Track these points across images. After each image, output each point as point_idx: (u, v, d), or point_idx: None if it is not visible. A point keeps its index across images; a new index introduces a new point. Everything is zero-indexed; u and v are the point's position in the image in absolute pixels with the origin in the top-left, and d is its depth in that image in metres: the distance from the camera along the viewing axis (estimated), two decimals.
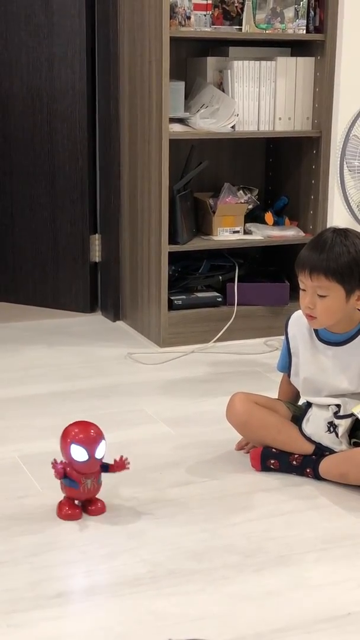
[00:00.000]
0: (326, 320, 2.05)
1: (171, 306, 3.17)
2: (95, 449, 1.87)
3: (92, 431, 1.89)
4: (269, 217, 3.37)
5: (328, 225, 3.29)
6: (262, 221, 3.37)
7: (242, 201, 3.32)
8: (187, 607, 1.61)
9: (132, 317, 3.39)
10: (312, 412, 2.14)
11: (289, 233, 3.33)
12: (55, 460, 1.90)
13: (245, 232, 3.30)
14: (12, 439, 2.35)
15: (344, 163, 2.99)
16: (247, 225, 3.32)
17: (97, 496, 1.94)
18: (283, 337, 2.23)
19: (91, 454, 1.87)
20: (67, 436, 1.88)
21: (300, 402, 2.25)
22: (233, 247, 3.30)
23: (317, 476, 2.09)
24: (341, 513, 1.97)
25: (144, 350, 3.12)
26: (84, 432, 1.88)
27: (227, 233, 3.26)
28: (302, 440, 2.14)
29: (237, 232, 3.28)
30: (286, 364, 2.21)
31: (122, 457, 1.93)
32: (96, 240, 3.56)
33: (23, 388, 2.75)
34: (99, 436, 1.89)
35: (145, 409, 2.58)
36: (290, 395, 2.26)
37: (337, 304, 2.01)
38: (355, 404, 2.08)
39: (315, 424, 2.12)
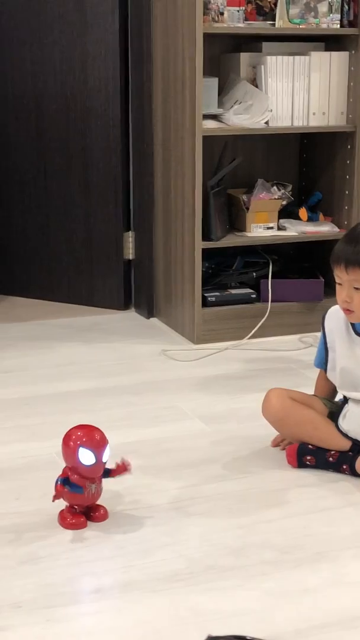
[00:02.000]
0: None
1: (205, 303, 3.17)
2: (102, 452, 1.84)
3: (97, 435, 1.85)
4: (303, 213, 3.35)
5: None
6: (296, 217, 3.35)
7: (276, 197, 3.31)
8: (225, 603, 1.61)
9: (166, 314, 3.39)
10: (349, 408, 2.12)
11: (323, 229, 3.31)
12: (64, 478, 1.85)
13: (279, 228, 3.29)
14: (48, 435, 2.36)
15: None
16: (281, 221, 3.31)
17: (99, 502, 1.91)
18: (319, 333, 2.22)
19: (98, 457, 1.83)
20: (73, 440, 1.84)
21: (337, 399, 2.24)
22: (267, 243, 3.29)
23: (354, 472, 2.08)
24: None
25: (178, 347, 3.12)
26: (90, 436, 1.84)
27: (260, 229, 3.25)
28: (339, 436, 2.12)
29: (271, 228, 3.27)
30: (323, 360, 2.20)
31: (123, 459, 1.91)
32: (130, 238, 3.57)
33: (58, 385, 2.76)
34: (105, 440, 1.86)
35: (180, 406, 2.58)
36: (327, 391, 2.25)
37: None
38: None
39: (352, 420, 2.11)
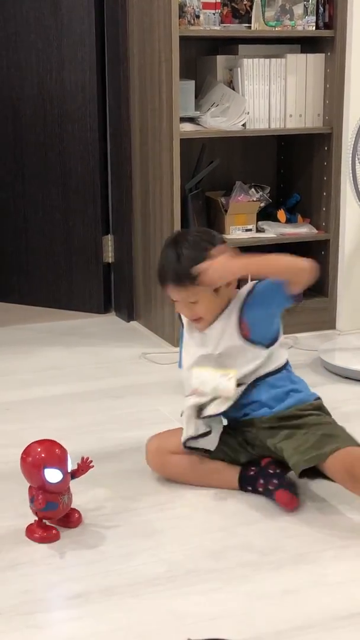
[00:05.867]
0: (210, 316, 2.02)
1: None
2: (66, 465, 1.83)
3: (57, 450, 1.84)
4: (281, 214, 3.36)
5: (341, 222, 3.29)
6: (275, 219, 3.37)
7: (254, 199, 3.32)
8: (205, 606, 1.61)
9: (146, 317, 3.39)
10: (184, 415, 2.07)
11: (302, 230, 3.32)
12: (34, 494, 1.83)
13: (258, 230, 3.30)
14: (29, 440, 2.34)
15: (356, 159, 2.98)
16: (260, 223, 3.32)
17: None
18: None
19: (64, 472, 1.83)
20: (35, 462, 1.82)
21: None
22: (245, 245, 3.28)
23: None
24: (358, 511, 1.96)
25: (158, 350, 3.13)
26: (50, 453, 1.83)
27: (239, 231, 3.26)
28: (225, 467, 2.05)
29: (250, 230, 3.28)
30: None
31: (83, 458, 1.89)
32: (109, 241, 3.56)
33: (39, 389, 2.76)
34: (64, 451, 1.85)
35: (160, 409, 2.58)
36: None
37: (211, 300, 1.99)
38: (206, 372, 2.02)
39: (187, 421, 2.04)
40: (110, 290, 3.63)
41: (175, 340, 3.13)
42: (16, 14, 3.45)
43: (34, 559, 1.77)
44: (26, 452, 1.85)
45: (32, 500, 1.84)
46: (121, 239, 3.48)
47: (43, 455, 1.82)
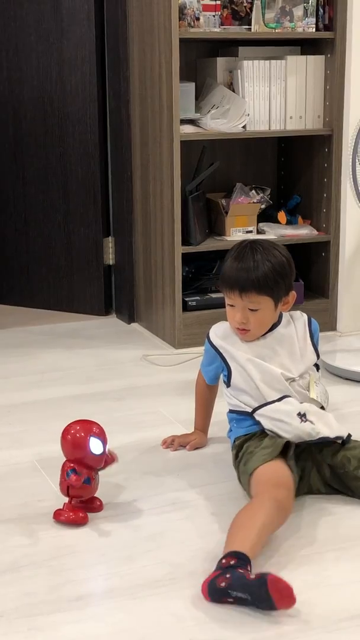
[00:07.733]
0: (260, 331, 2.09)
1: (186, 307, 3.17)
2: (106, 442, 1.91)
3: (97, 428, 1.91)
4: (281, 216, 3.36)
5: (341, 223, 3.29)
6: (275, 220, 3.37)
7: (255, 201, 3.32)
8: (207, 608, 1.61)
9: (147, 319, 3.39)
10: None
11: (302, 232, 3.32)
12: (72, 468, 1.88)
13: (259, 232, 3.30)
14: (29, 442, 2.36)
15: (356, 160, 2.98)
16: (260, 224, 3.32)
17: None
18: None
19: (105, 446, 1.90)
20: (81, 431, 1.89)
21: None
22: None
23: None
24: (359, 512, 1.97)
25: (159, 352, 3.13)
26: (92, 427, 1.91)
27: (240, 233, 3.26)
28: None
29: (250, 231, 3.28)
30: None
31: (110, 451, 1.95)
32: (109, 243, 3.57)
33: (40, 392, 2.76)
34: (102, 428, 1.92)
35: (161, 411, 2.58)
36: None
37: (270, 314, 2.07)
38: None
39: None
40: (111, 292, 3.63)
41: (176, 341, 3.14)
42: (16, 16, 3.45)
43: (35, 561, 1.77)
44: (67, 429, 1.91)
45: (68, 474, 1.88)
46: (122, 241, 3.48)
47: (87, 427, 1.90)
